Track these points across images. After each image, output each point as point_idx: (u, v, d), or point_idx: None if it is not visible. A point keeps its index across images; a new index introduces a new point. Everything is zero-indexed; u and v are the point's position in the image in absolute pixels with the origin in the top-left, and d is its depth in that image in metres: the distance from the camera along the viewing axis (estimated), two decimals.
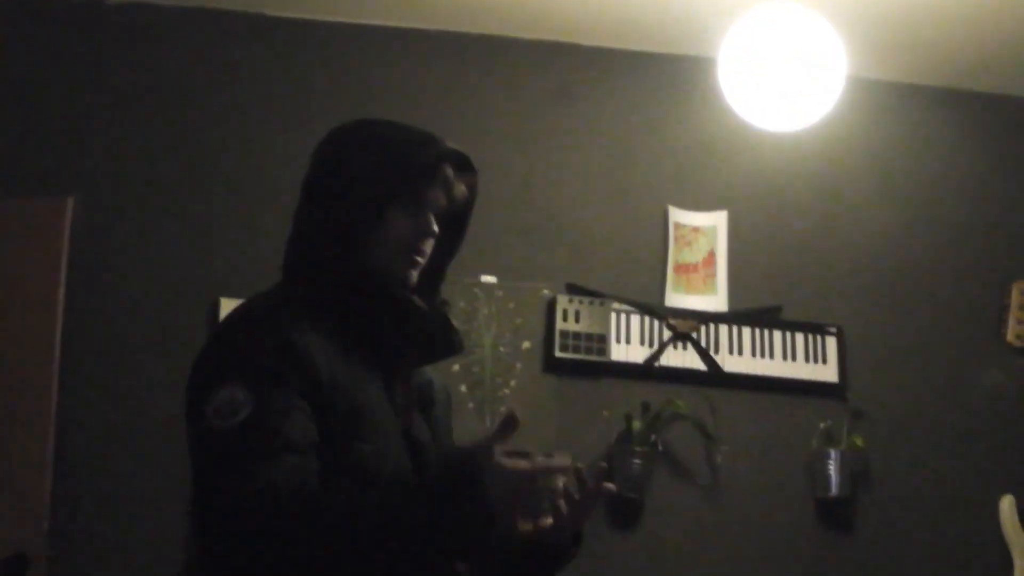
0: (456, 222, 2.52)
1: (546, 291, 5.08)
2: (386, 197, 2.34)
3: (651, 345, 5.10)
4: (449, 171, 2.44)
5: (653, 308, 5.14)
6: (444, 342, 2.46)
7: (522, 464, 2.05)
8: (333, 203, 2.35)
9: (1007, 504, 5.00)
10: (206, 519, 2.14)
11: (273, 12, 5.17)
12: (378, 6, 5.15)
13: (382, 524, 2.04)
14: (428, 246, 2.41)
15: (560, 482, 2.13)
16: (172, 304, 4.85)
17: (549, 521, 2.28)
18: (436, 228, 2.41)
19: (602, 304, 5.09)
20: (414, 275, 2.41)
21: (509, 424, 2.09)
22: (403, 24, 5.25)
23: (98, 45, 5.07)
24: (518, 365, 5.00)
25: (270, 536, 2.04)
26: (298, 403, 2.16)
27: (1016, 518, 4.96)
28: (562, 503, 2.31)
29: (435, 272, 2.49)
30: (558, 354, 5.01)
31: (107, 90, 5.04)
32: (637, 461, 4.93)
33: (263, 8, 5.15)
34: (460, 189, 2.49)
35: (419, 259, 2.41)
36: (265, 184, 4.98)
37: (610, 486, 2.41)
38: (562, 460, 2.11)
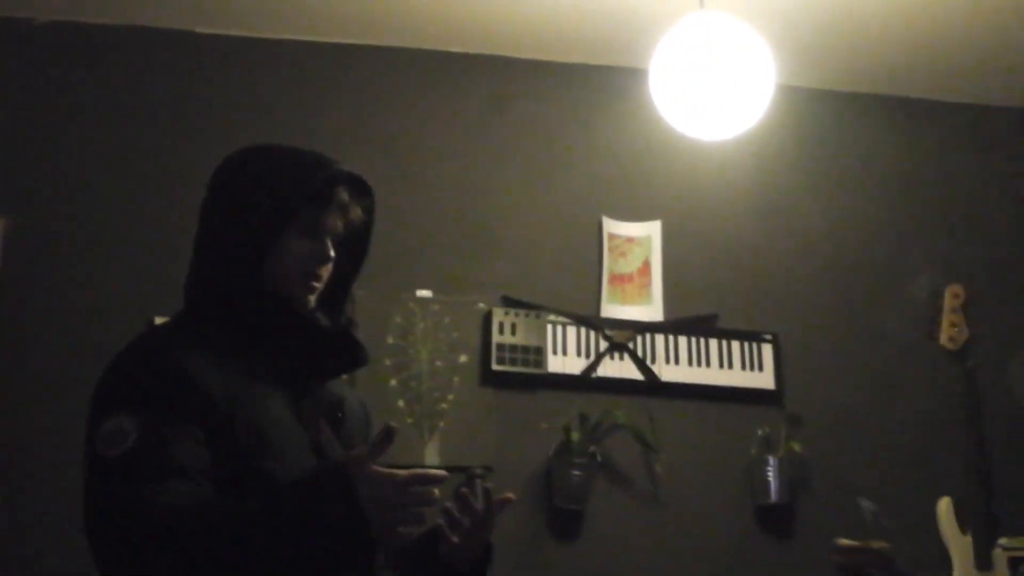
0: (357, 243, 2.55)
1: (482, 304, 5.08)
2: (280, 221, 2.36)
3: (588, 356, 5.10)
4: (344, 195, 2.46)
5: (589, 319, 5.15)
6: (348, 355, 2.49)
7: (397, 472, 2.07)
8: (229, 227, 2.39)
9: (944, 506, 5.03)
10: (96, 547, 2.15)
11: (203, 30, 5.15)
12: (307, 23, 5.14)
13: (255, 530, 2.06)
14: (325, 271, 2.44)
15: (435, 492, 2.13)
16: (105, 323, 4.80)
17: (414, 530, 2.28)
18: (332, 253, 2.43)
19: (538, 316, 5.09)
20: (312, 299, 2.45)
21: (387, 436, 2.08)
22: (333, 40, 5.24)
23: (28, 64, 5.03)
24: (455, 379, 4.99)
25: (157, 558, 2.06)
26: (187, 429, 2.18)
27: (954, 520, 4.99)
28: (460, 516, 2.43)
29: (339, 291, 2.53)
30: (495, 367, 5.01)
31: (38, 109, 5.00)
32: (576, 472, 4.92)
33: (193, 26, 5.13)
34: (356, 212, 2.50)
35: (316, 284, 2.44)
36: (199, 202, 4.95)
37: (509, 496, 2.51)
38: (437, 472, 2.14)
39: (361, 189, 2.52)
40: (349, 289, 2.57)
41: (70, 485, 4.57)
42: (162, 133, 5.08)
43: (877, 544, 2.32)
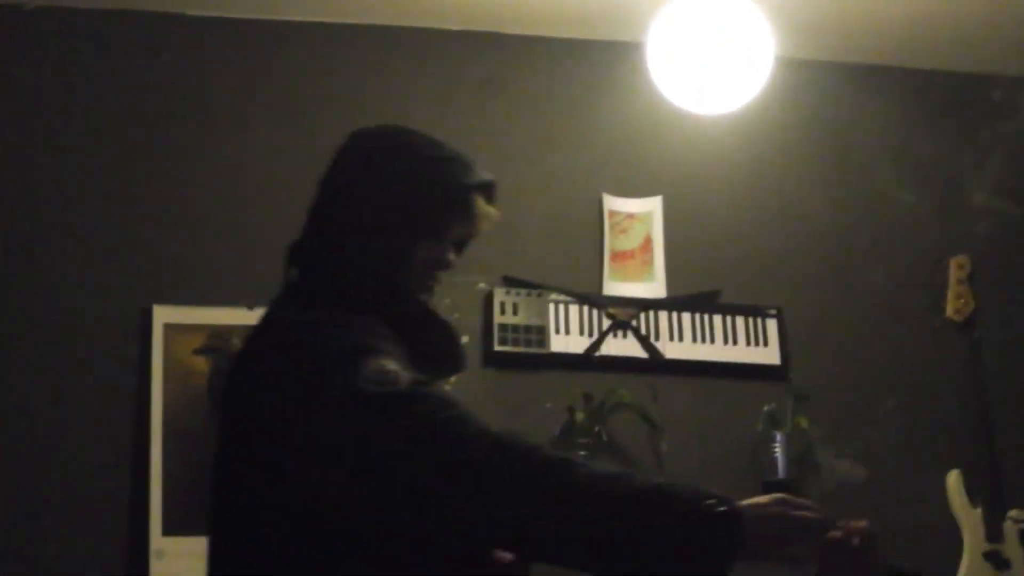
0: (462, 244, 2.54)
1: (482, 285, 5.03)
2: (419, 231, 2.36)
3: (591, 335, 5.06)
4: (480, 205, 2.47)
5: (591, 297, 5.10)
6: (453, 359, 2.51)
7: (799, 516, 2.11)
8: (366, 222, 2.35)
9: (953, 480, 5.00)
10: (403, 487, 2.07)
11: (194, 12, 5.09)
12: (298, 3, 5.09)
13: (633, 501, 2.04)
14: (442, 276, 2.45)
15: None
16: (99, 312, 4.77)
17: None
18: (453, 261, 2.46)
19: (539, 295, 5.04)
20: (429, 300, 2.45)
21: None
22: (325, 19, 5.19)
23: (17, 50, 4.98)
24: None
25: (517, 484, 2.06)
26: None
27: (963, 494, 4.96)
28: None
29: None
30: (497, 348, 4.96)
31: (27, 95, 4.95)
32: (582, 452, 4.88)
33: (184, 8, 5.07)
34: (486, 223, 2.51)
35: (434, 286, 2.45)
36: (192, 187, 4.92)
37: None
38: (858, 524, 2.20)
39: (492, 196, 2.52)
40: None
41: (66, 468, 4.56)
42: (153, 117, 5.03)
43: (856, 524, 2.26)
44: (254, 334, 2.35)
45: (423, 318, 2.40)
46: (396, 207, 2.35)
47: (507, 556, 2.34)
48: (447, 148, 2.50)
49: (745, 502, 2.13)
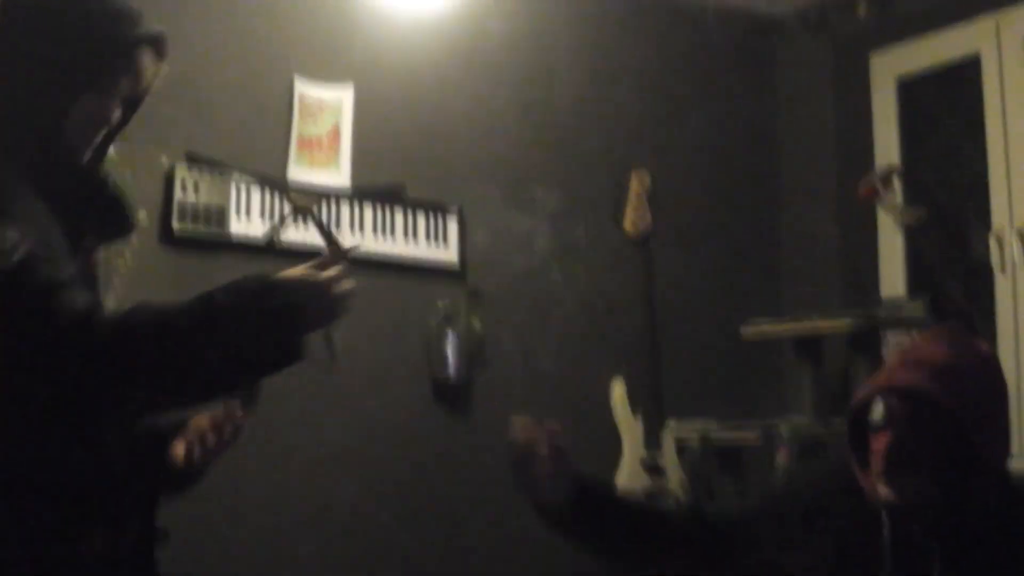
0: (133, 101, 2.43)
1: (164, 159, 4.82)
2: (78, 85, 2.25)
3: (273, 220, 4.94)
4: (146, 59, 2.36)
5: (274, 181, 4.97)
6: (117, 221, 2.45)
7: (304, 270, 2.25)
8: (20, 76, 2.24)
9: (618, 387, 5.10)
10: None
11: None
12: None
13: (189, 329, 2.10)
14: (103, 133, 2.35)
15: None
16: None
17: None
18: (117, 117, 2.35)
19: (222, 175, 4.88)
20: (91, 158, 2.34)
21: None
22: None
23: None
24: (133, 237, 4.76)
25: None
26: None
27: (626, 401, 5.07)
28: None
29: (101, 146, 2.39)
30: (176, 226, 4.78)
31: None
32: None
33: None
34: (151, 78, 2.40)
35: (99, 144, 2.35)
36: None
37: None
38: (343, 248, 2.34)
39: (161, 50, 2.40)
40: (108, 145, 2.42)
41: None
42: None
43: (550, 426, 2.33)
44: None
45: (81, 177, 2.33)
46: (52, 60, 2.23)
47: None
48: (111, 1, 2.36)
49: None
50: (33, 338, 2.01)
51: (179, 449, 2.42)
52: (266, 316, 2.19)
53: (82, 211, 2.29)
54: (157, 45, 2.39)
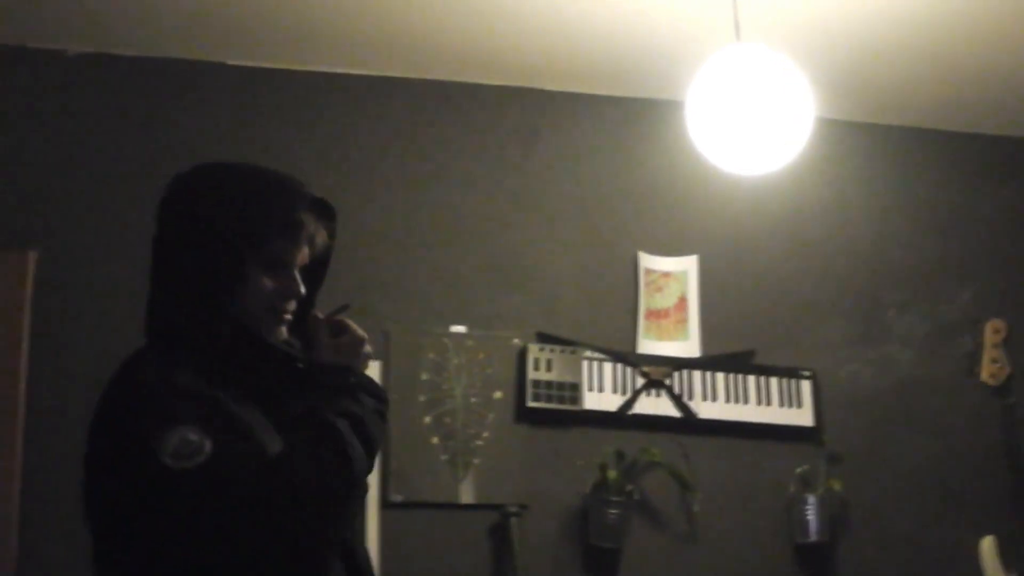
0: (319, 266, 2.47)
1: (516, 340, 5.02)
2: (246, 259, 2.28)
3: (624, 393, 5.04)
4: (310, 223, 2.38)
5: (625, 355, 5.08)
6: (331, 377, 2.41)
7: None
8: (192, 264, 2.30)
9: (987, 545, 4.94)
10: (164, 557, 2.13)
11: (235, 61, 5.11)
12: (341, 54, 5.10)
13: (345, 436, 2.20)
14: (293, 305, 2.38)
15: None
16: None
17: None
18: (302, 288, 2.37)
19: (573, 352, 5.03)
20: (283, 330, 2.39)
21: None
22: (366, 72, 5.20)
23: (60, 96, 5.00)
24: (490, 416, 4.93)
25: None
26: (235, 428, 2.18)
27: (996, 559, 4.90)
28: None
29: (301, 309, 2.44)
30: (530, 403, 4.94)
31: (69, 142, 4.96)
32: (613, 511, 4.85)
33: (225, 58, 5.10)
34: (322, 237, 2.44)
35: (287, 317, 2.38)
36: None
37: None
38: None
39: (326, 211, 2.44)
40: (310, 308, 2.47)
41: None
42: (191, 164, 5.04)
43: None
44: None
45: (273, 350, 2.36)
46: (217, 241, 2.27)
47: None
48: (270, 173, 2.40)
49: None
50: (249, 519, 2.10)
51: None
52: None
53: (265, 383, 2.33)
54: (321, 209, 2.42)
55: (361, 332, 2.41)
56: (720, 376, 5.16)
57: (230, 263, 2.26)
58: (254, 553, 2.10)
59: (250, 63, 5.13)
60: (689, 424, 5.07)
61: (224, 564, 2.11)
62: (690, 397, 5.09)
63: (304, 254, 2.37)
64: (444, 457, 4.83)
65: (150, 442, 2.09)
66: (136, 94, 5.05)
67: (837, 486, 5.06)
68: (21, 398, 4.60)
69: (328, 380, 2.31)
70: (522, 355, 5.00)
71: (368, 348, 2.41)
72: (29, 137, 4.94)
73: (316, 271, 2.46)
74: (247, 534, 2.09)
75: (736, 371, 5.18)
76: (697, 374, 5.13)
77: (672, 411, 5.07)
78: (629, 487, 4.90)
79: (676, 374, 5.10)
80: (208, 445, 2.08)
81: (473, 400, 4.92)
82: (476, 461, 4.86)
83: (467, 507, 4.84)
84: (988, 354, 5.19)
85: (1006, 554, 4.92)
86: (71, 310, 4.78)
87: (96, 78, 5.03)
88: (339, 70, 5.19)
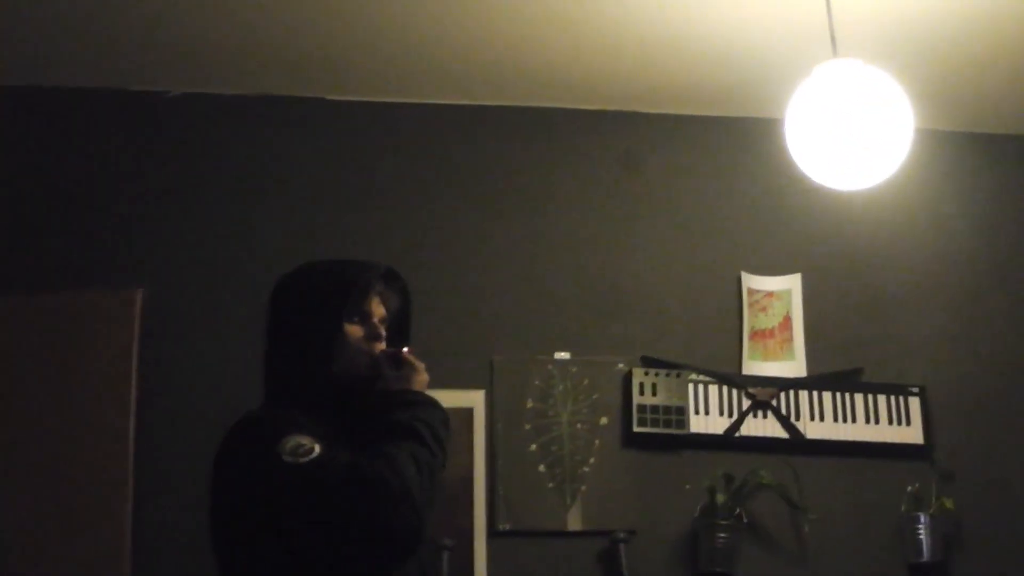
0: (404, 322, 3.07)
1: (621, 365, 5.01)
2: (338, 316, 2.87)
3: (730, 415, 5.01)
4: (380, 285, 2.98)
5: (731, 377, 5.06)
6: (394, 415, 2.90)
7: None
8: (300, 333, 2.89)
9: None
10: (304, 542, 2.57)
11: (335, 96, 5.16)
12: (443, 85, 5.14)
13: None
14: (379, 346, 2.92)
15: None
16: (242, 394, 4.79)
17: None
18: (383, 331, 2.93)
19: (679, 375, 5.01)
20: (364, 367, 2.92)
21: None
22: (467, 101, 5.23)
23: (163, 137, 5.08)
24: (596, 442, 4.92)
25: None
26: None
27: None
28: None
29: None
30: (636, 428, 4.94)
31: (174, 181, 5.04)
32: (723, 535, 4.82)
33: (325, 93, 5.15)
34: (393, 296, 3.02)
35: (374, 354, 2.91)
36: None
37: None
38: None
39: (394, 279, 3.03)
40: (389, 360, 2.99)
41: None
42: (296, 201, 5.09)
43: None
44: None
45: (352, 391, 2.88)
46: (315, 308, 2.89)
47: None
48: (348, 260, 3.04)
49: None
50: (349, 514, 2.53)
51: None
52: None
53: (366, 417, 2.82)
54: (387, 276, 2.99)
55: (417, 363, 2.90)
56: (827, 395, 5.11)
57: (329, 321, 2.87)
58: (346, 534, 2.53)
59: (349, 97, 5.17)
60: (796, 445, 5.03)
61: (322, 543, 2.55)
62: (797, 417, 5.05)
63: (379, 308, 2.96)
64: (551, 484, 4.83)
65: (272, 444, 2.61)
66: (237, 132, 5.12)
67: (949, 504, 4.99)
68: (131, 433, 4.69)
69: (391, 400, 2.81)
70: (627, 380, 5.00)
71: (423, 375, 2.88)
72: (134, 177, 5.02)
73: (401, 326, 3.06)
74: (342, 520, 2.53)
75: (843, 389, 5.13)
76: (804, 394, 5.09)
77: (779, 432, 5.03)
78: (738, 510, 4.87)
79: (782, 394, 5.07)
80: (317, 449, 2.60)
81: (579, 426, 4.92)
82: (583, 488, 4.85)
83: (575, 534, 4.83)
84: None
85: None
86: (178, 347, 4.84)
87: (197, 117, 5.10)
88: (438, 101, 5.22)
